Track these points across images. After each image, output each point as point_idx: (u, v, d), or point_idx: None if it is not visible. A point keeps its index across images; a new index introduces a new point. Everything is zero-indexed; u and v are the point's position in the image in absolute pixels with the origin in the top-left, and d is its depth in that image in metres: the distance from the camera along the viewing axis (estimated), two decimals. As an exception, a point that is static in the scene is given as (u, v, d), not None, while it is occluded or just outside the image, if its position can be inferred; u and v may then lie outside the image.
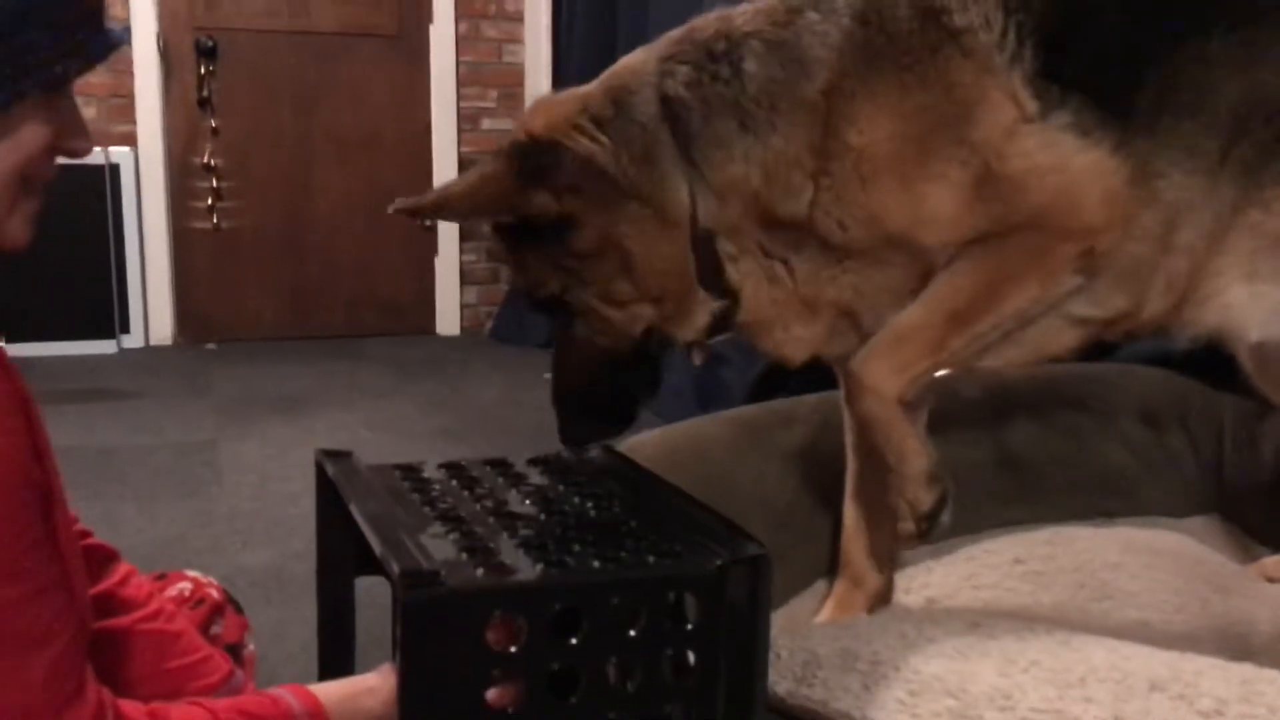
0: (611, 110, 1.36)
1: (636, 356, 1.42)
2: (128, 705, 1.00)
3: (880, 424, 1.38)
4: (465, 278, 5.72)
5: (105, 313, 5.03)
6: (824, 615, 1.64)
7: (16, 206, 0.98)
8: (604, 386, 1.43)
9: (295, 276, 5.49)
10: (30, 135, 0.96)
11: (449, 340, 5.65)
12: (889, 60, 1.32)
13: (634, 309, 1.39)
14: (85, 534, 1.26)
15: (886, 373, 1.36)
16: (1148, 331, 1.48)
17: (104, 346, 5.02)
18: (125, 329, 5.12)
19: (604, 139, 1.35)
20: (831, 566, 1.72)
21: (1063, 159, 1.31)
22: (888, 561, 1.63)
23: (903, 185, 1.33)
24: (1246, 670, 1.23)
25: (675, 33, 1.44)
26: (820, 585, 1.75)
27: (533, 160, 1.34)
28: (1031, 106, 1.31)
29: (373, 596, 1.38)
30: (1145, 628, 1.54)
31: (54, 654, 0.93)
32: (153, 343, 5.21)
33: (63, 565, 0.97)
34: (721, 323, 1.44)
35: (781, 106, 1.34)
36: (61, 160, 1.02)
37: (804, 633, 1.42)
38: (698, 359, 1.53)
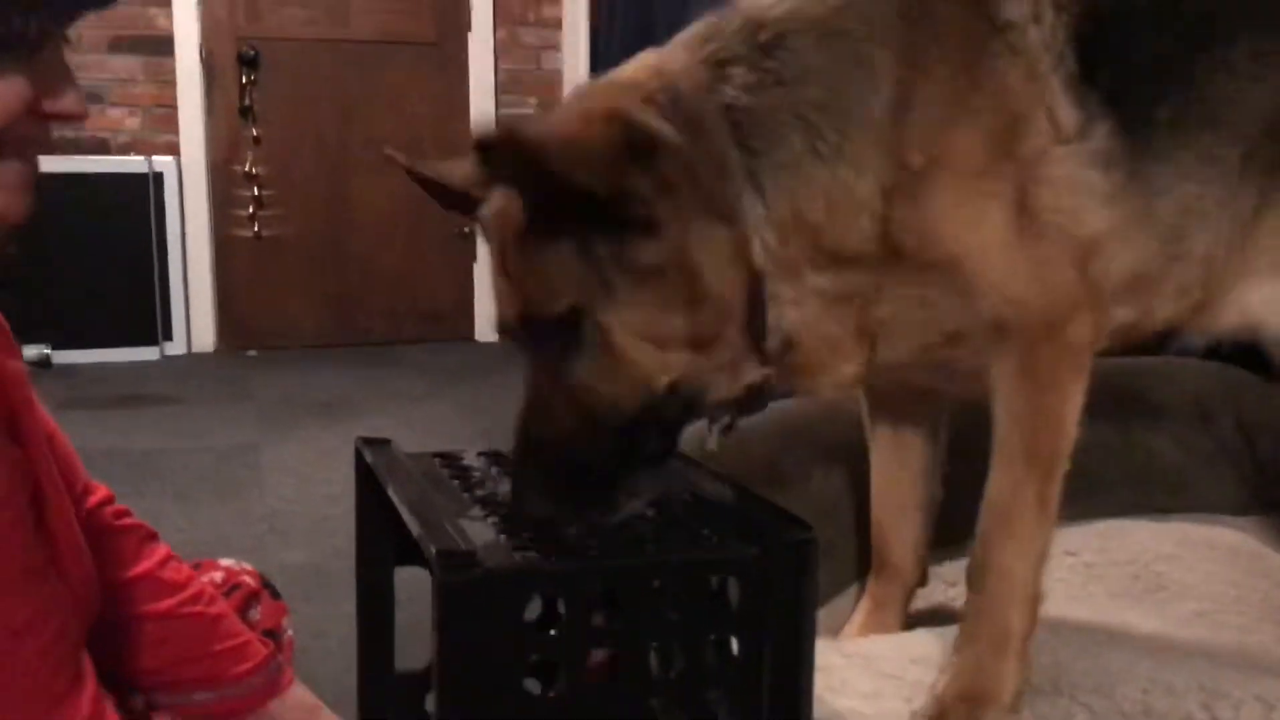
0: (676, 113, 1.13)
1: (648, 416, 1.13)
2: None
3: (998, 659, 1.26)
4: (504, 284, 5.72)
5: (148, 320, 5.09)
6: (860, 613, 1.61)
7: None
8: (594, 447, 1.12)
9: (335, 284, 5.52)
10: (4, 98, 0.87)
11: (488, 347, 5.65)
12: (939, 60, 1.20)
13: (673, 352, 1.12)
14: (124, 513, 1.26)
15: (1021, 617, 1.27)
16: (1157, 334, 1.45)
17: (147, 353, 5.08)
18: (168, 336, 5.17)
19: (685, 136, 1.12)
20: (877, 563, 1.68)
21: (1066, 234, 1.22)
22: (922, 554, 1.59)
23: (959, 203, 1.20)
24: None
25: (698, 28, 1.23)
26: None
27: (640, 140, 1.07)
28: (1070, 120, 1.23)
29: (411, 593, 1.37)
30: (1203, 618, 1.50)
31: (39, 645, 0.89)
32: (195, 350, 5.26)
33: (53, 551, 0.94)
34: (756, 395, 1.21)
35: (850, 129, 1.16)
36: (61, 128, 0.95)
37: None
38: (714, 434, 1.27)
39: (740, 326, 1.15)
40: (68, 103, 0.93)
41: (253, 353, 5.32)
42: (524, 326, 1.15)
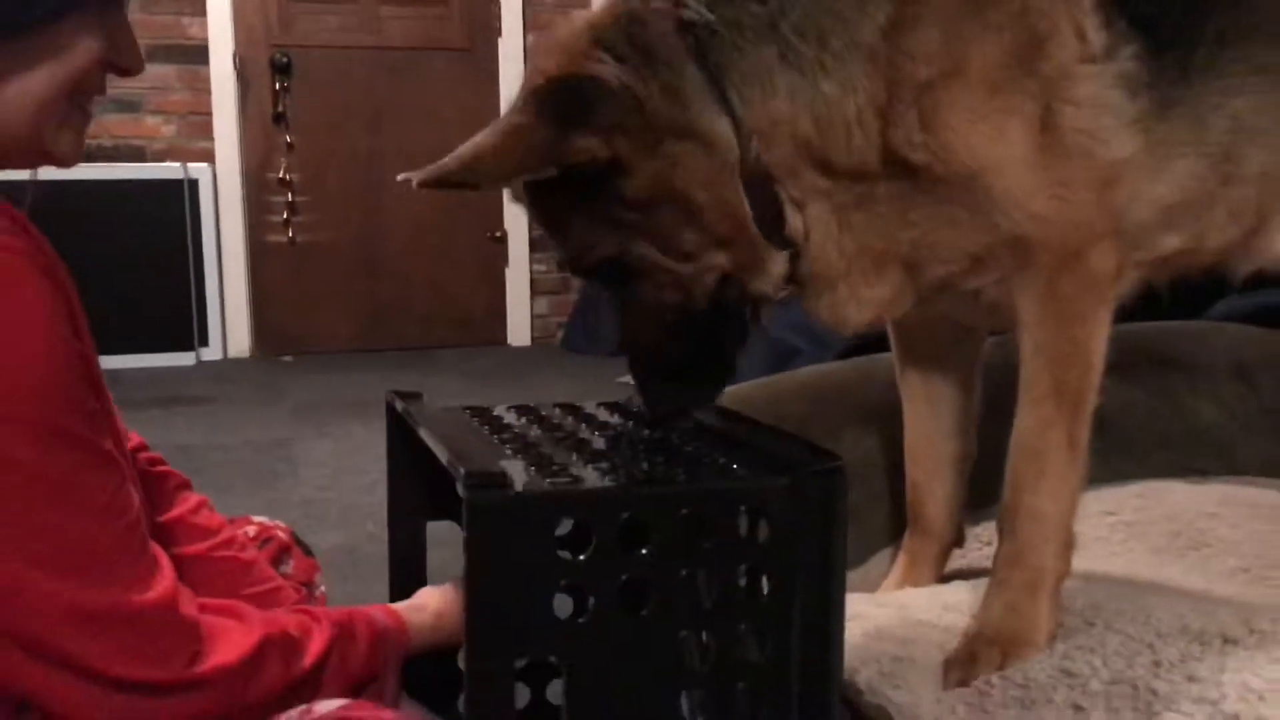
0: (624, 41, 1.17)
1: (716, 309, 1.24)
2: (211, 600, 1.01)
3: (1032, 601, 1.26)
4: (536, 288, 5.75)
5: (184, 326, 5.13)
6: (896, 571, 1.60)
7: (68, 122, 0.98)
8: (688, 347, 1.24)
9: (369, 289, 5.56)
10: (83, 50, 0.96)
11: (520, 351, 5.68)
12: None
13: (704, 259, 1.21)
14: (157, 460, 1.27)
15: (1055, 558, 1.27)
16: (1209, 265, 1.42)
17: (182, 359, 5.12)
18: (204, 342, 5.22)
19: (628, 69, 1.16)
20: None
21: (1091, 156, 1.22)
22: (958, 511, 1.57)
23: (976, 117, 1.20)
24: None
25: None
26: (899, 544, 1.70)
27: (564, 100, 1.15)
28: (1097, 40, 1.22)
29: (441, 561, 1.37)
30: (1245, 574, 1.47)
31: (125, 525, 0.93)
32: (230, 355, 5.30)
33: (118, 445, 0.96)
34: (791, 275, 1.28)
35: (834, 46, 1.18)
36: (115, 80, 1.02)
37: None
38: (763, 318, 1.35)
39: (753, 226, 1.21)
40: (131, 59, 1.01)
41: (287, 358, 5.36)
42: (583, 271, 1.26)
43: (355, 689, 1.07)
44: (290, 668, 1.00)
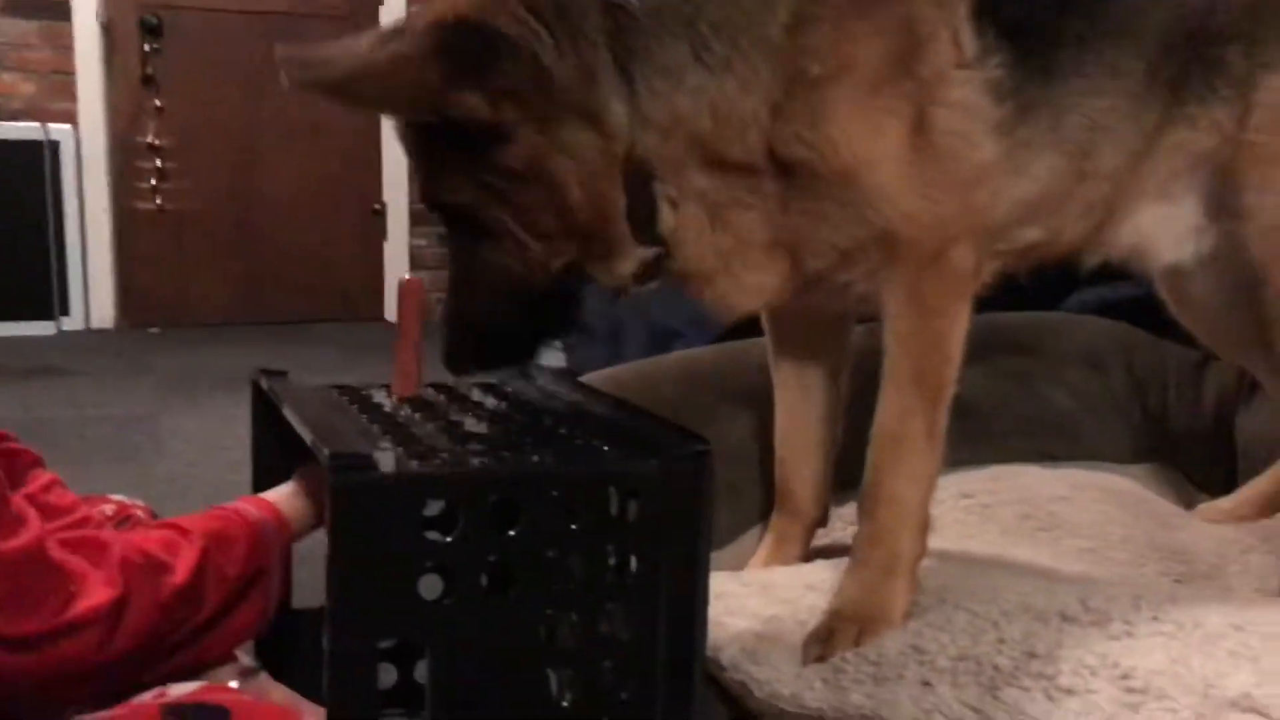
0: (550, 7, 1.13)
1: (552, 291, 1.22)
2: (68, 535, 1.02)
3: (889, 581, 1.29)
4: (415, 263, 5.67)
5: (44, 294, 4.94)
6: (763, 549, 1.63)
7: None
8: (510, 317, 1.23)
9: (242, 260, 5.42)
10: None
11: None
12: None
13: (557, 244, 1.20)
14: (7, 436, 1.22)
15: (911, 541, 1.30)
16: (1062, 256, 1.49)
17: (42, 328, 4.93)
18: (65, 311, 5.03)
19: (545, 35, 1.12)
20: (781, 505, 1.70)
21: (960, 160, 1.25)
22: (824, 492, 1.61)
23: (856, 114, 1.22)
24: (1159, 593, 1.24)
25: None
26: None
27: (465, 50, 1.09)
28: (970, 47, 1.26)
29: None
30: (1091, 554, 1.54)
31: None
32: (93, 325, 5.12)
33: None
34: (650, 271, 1.27)
35: (742, 44, 1.18)
36: None
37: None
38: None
39: (623, 220, 1.20)
40: None
41: (155, 329, 5.20)
42: (434, 208, 1.22)
43: (243, 589, 1.10)
44: (161, 588, 1.01)
